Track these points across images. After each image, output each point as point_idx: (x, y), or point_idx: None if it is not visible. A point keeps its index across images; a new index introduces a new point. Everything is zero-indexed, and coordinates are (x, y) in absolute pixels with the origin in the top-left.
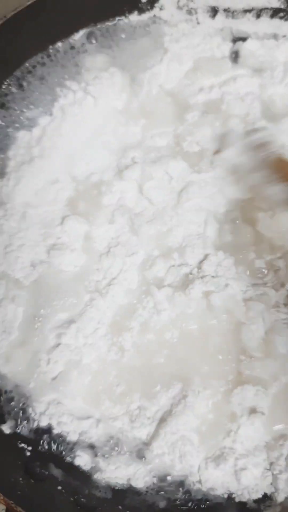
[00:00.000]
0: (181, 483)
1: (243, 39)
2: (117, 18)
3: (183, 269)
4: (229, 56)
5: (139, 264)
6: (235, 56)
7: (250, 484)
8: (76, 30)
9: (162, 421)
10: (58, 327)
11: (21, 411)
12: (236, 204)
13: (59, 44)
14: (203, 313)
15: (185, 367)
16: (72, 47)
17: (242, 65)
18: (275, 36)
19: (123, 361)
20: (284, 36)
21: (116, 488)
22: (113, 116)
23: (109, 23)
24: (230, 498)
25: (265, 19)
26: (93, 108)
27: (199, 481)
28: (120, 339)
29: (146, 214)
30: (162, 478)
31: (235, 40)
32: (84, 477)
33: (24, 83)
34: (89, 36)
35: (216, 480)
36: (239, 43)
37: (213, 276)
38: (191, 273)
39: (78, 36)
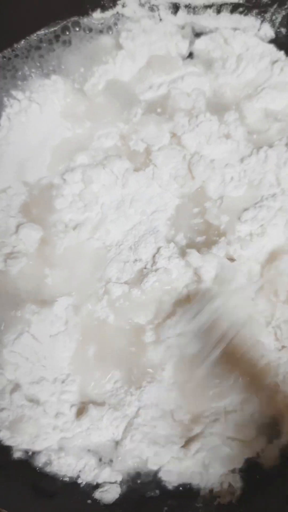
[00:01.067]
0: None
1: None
2: (79, 17)
3: (138, 264)
4: (185, 54)
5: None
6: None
7: None
8: (35, 30)
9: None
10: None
11: None
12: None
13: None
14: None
15: None
16: (16, 55)
17: (194, 63)
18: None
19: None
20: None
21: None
22: (59, 121)
23: (69, 22)
24: None
25: (225, 14)
26: (39, 115)
27: None
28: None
29: (95, 216)
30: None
31: (197, 35)
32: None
33: None
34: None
35: None
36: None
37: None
38: (145, 268)
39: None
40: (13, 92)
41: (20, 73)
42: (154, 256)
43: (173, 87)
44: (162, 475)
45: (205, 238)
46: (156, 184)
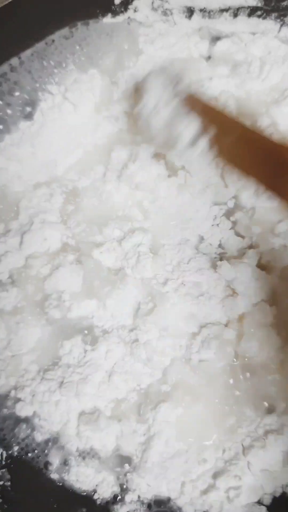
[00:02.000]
0: None
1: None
2: (90, 21)
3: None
4: (206, 55)
5: None
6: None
7: None
8: (50, 33)
9: None
10: None
11: None
12: None
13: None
14: None
15: None
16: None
17: (218, 64)
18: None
19: None
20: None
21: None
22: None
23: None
24: None
25: (242, 18)
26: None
27: None
28: None
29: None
30: None
31: (214, 39)
32: None
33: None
34: (63, 38)
35: None
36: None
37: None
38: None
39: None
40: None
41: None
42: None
43: (201, 91)
44: (179, 502)
45: (237, 250)
46: (187, 192)
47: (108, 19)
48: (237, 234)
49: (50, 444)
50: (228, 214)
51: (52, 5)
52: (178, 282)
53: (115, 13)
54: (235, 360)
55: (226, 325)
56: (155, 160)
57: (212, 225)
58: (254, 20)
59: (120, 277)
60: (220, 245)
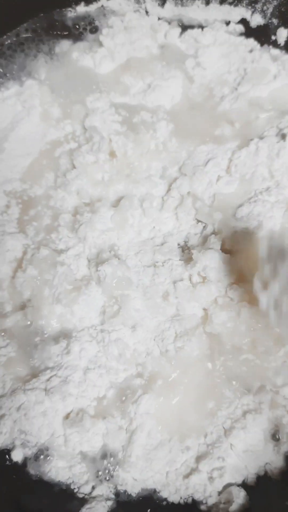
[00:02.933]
0: None
1: (192, 27)
2: (63, 10)
3: None
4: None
5: None
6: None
7: None
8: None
9: None
10: None
11: None
12: None
13: None
14: None
15: None
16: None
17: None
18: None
19: None
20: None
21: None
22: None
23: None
24: None
25: (214, 6)
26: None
27: None
28: None
29: None
30: None
31: (184, 29)
32: None
33: None
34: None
35: None
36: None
37: None
38: None
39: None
40: None
41: None
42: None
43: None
44: (164, 493)
45: (199, 238)
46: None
47: (81, 8)
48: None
49: (40, 457)
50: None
51: None
52: (146, 281)
53: (88, 1)
54: (209, 346)
55: (200, 313)
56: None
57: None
58: (225, 7)
59: (85, 282)
60: (182, 236)
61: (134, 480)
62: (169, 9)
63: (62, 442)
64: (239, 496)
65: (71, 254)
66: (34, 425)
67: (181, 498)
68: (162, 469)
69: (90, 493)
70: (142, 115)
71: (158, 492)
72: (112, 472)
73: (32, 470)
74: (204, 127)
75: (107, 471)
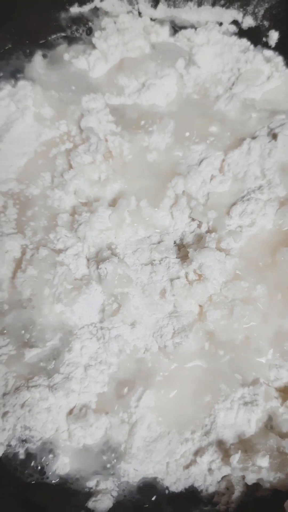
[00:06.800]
0: None
1: (185, 28)
2: (57, 10)
3: None
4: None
5: None
6: None
7: None
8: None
9: None
10: None
11: None
12: None
13: None
14: None
15: None
16: None
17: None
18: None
19: None
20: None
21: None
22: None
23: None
24: None
25: (206, 8)
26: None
27: None
28: None
29: None
30: None
31: (176, 30)
32: None
33: None
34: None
35: None
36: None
37: None
38: None
39: None
40: None
41: None
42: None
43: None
44: (165, 482)
45: (194, 237)
46: None
47: (75, 9)
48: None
49: (45, 452)
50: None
51: None
52: (144, 279)
53: (81, 3)
54: (206, 341)
55: (196, 309)
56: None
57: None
58: (217, 9)
59: (85, 282)
60: (178, 234)
61: (135, 470)
62: (162, 11)
63: (66, 437)
64: (240, 484)
65: (70, 253)
66: (39, 421)
67: (182, 487)
68: (162, 460)
69: (95, 487)
70: (137, 115)
71: (161, 481)
72: (114, 464)
73: (37, 465)
74: (198, 126)
75: (109, 464)
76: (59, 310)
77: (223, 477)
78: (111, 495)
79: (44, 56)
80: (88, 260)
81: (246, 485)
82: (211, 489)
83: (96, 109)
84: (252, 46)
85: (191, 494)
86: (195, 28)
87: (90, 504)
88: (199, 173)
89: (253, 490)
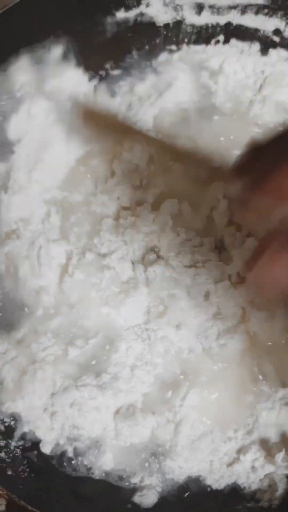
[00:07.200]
0: None
1: None
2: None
3: None
4: None
5: None
6: None
7: None
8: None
9: None
10: None
11: None
12: None
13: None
14: None
15: None
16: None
17: None
18: None
19: None
20: None
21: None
22: None
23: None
24: None
25: (250, 16)
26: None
27: None
28: None
29: None
30: None
31: None
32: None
33: None
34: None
35: None
36: None
37: None
38: None
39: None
40: None
41: None
42: None
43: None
44: (208, 480)
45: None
46: None
47: (121, 13)
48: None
49: (92, 449)
50: None
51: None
52: (188, 281)
53: (127, 8)
54: (251, 343)
55: (240, 311)
56: None
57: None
58: (260, 18)
59: (132, 285)
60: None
61: (180, 468)
62: (205, 17)
63: (113, 436)
64: (283, 482)
65: (115, 257)
66: (87, 419)
67: (225, 484)
68: (206, 458)
69: (140, 482)
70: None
71: (203, 480)
72: (161, 461)
73: (83, 461)
74: (236, 133)
75: (156, 461)
76: (105, 313)
77: (265, 475)
78: (156, 491)
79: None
80: (133, 263)
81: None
82: (254, 487)
83: None
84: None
85: (234, 491)
86: None
87: (136, 498)
88: None
89: None
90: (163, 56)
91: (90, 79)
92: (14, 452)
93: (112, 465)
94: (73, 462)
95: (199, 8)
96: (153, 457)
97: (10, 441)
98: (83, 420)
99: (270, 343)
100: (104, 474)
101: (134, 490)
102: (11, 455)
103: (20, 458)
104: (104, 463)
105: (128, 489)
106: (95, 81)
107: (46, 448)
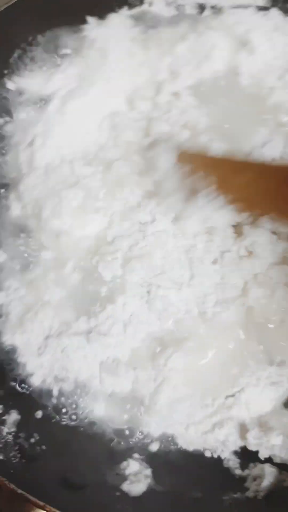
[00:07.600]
0: None
1: None
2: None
3: None
4: None
5: None
6: None
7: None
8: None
9: None
10: None
11: None
12: None
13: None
14: None
15: None
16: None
17: None
18: None
19: None
20: None
21: None
22: None
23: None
24: None
25: None
26: None
27: None
28: None
29: None
30: None
31: None
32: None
33: None
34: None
35: None
36: None
37: None
38: None
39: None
40: None
41: None
42: None
43: None
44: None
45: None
46: None
47: (124, 11)
48: None
49: (78, 391)
50: None
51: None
52: (199, 246)
53: (131, 6)
54: (245, 317)
55: (241, 284)
56: None
57: None
58: None
59: None
60: None
61: (156, 424)
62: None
63: (98, 383)
64: (270, 473)
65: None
66: (75, 364)
67: (193, 448)
68: (182, 421)
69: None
70: None
71: (176, 437)
72: (142, 413)
73: (69, 403)
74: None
75: (139, 413)
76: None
77: (255, 465)
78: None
79: None
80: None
81: (276, 475)
82: (244, 474)
83: None
84: None
85: (224, 477)
86: None
87: (125, 487)
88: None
89: (282, 481)
90: None
91: None
92: (6, 438)
93: (102, 413)
94: (64, 410)
95: (201, 8)
96: (135, 408)
97: (2, 427)
98: (71, 364)
99: (263, 321)
100: (87, 420)
101: (123, 478)
102: (3, 440)
103: (12, 444)
104: (88, 408)
105: (118, 475)
106: None
107: (35, 380)
